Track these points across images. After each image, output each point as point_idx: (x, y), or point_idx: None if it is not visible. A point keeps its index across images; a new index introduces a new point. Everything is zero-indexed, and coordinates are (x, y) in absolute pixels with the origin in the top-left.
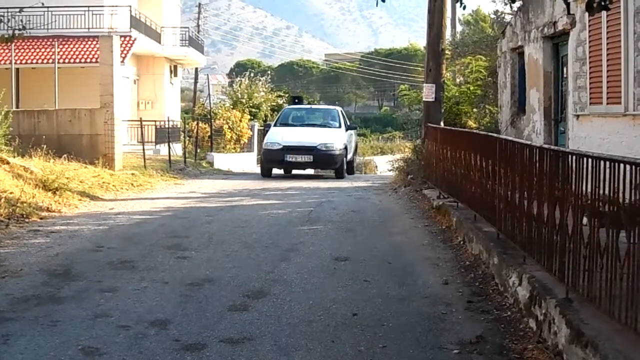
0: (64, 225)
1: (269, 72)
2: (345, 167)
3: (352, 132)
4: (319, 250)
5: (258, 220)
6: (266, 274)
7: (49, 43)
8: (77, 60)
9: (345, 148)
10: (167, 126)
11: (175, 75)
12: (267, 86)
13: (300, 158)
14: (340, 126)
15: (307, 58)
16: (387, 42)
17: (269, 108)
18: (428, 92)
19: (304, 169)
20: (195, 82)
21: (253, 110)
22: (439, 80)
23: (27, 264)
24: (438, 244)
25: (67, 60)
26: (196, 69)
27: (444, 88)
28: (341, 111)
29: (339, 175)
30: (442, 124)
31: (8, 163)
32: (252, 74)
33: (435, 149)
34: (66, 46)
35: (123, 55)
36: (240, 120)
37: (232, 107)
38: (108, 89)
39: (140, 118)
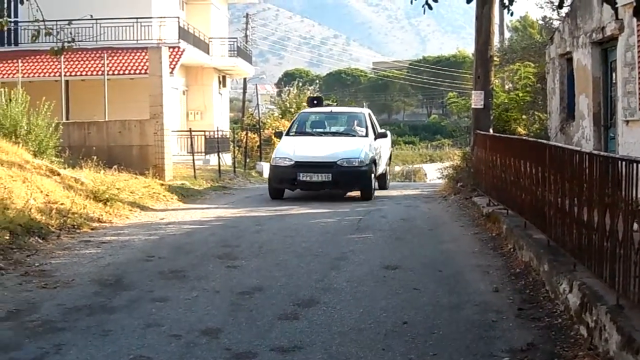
0: (115, 235)
1: (317, 81)
2: (373, 185)
3: (384, 140)
4: (368, 258)
5: (307, 229)
6: (316, 283)
7: (98, 55)
8: (126, 72)
9: (374, 162)
10: (216, 136)
11: (224, 85)
12: (314, 95)
13: (316, 177)
14: (367, 134)
15: (355, 66)
16: (435, 50)
17: None
18: (477, 99)
19: (320, 190)
20: (244, 92)
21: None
22: (487, 87)
23: (78, 274)
24: (488, 251)
25: (116, 72)
26: (244, 79)
27: (492, 95)
28: (369, 115)
29: (365, 196)
30: (491, 130)
31: (59, 174)
32: (300, 83)
33: (485, 156)
34: (115, 58)
35: (172, 66)
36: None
37: (280, 116)
38: (157, 100)
39: (190, 128)
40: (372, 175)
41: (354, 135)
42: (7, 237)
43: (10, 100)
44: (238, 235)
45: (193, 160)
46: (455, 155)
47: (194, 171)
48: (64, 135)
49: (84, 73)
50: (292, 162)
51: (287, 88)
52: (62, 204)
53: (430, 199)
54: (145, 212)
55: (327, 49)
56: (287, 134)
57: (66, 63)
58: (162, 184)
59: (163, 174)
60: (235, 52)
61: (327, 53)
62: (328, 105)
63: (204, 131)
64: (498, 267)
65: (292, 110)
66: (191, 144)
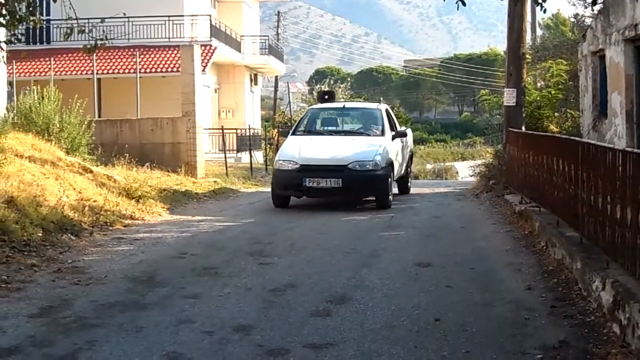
0: (147, 232)
1: (348, 79)
2: (391, 191)
3: (404, 139)
4: (400, 256)
5: (339, 226)
6: (348, 280)
7: (130, 53)
8: (158, 70)
9: (391, 165)
10: (248, 134)
11: (256, 83)
12: (346, 93)
13: (324, 182)
14: (383, 133)
15: (386, 64)
16: (467, 47)
17: None
18: (509, 97)
19: (330, 197)
20: (275, 90)
21: None
22: (519, 84)
23: (111, 271)
24: (520, 249)
25: (148, 70)
26: (276, 77)
27: (525, 92)
28: (387, 110)
29: (381, 204)
30: (523, 128)
31: (91, 172)
32: (331, 81)
33: (517, 154)
34: (147, 56)
35: (204, 64)
36: None
37: None
38: (189, 98)
39: (222, 126)
40: (389, 179)
41: (368, 135)
42: (40, 234)
43: (43, 98)
44: (270, 233)
45: (225, 157)
46: (487, 153)
47: (226, 169)
48: (97, 132)
49: (116, 71)
50: (298, 166)
51: (318, 86)
52: (94, 201)
53: (462, 196)
54: (178, 208)
55: (358, 46)
56: (294, 133)
57: (98, 61)
58: (194, 182)
59: (195, 172)
60: (267, 50)
61: (359, 51)
62: (346, 100)
63: (236, 129)
64: (530, 264)
65: None
66: (223, 142)
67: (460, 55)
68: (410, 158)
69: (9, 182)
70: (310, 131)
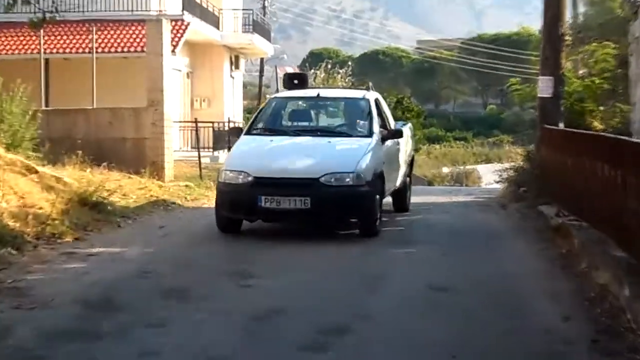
0: (104, 246)
1: (349, 62)
2: (379, 213)
3: (400, 140)
4: (411, 278)
5: (337, 241)
6: (348, 307)
7: (85, 29)
8: (119, 50)
9: (381, 177)
10: (227, 128)
11: (237, 67)
12: (347, 80)
13: (287, 203)
14: (371, 132)
15: (395, 45)
16: (493, 27)
17: None
18: (544, 87)
19: (295, 222)
20: (261, 76)
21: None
22: (557, 71)
23: (59, 292)
24: (556, 271)
25: (106, 50)
26: (262, 59)
27: (563, 81)
28: (377, 101)
29: (366, 231)
30: (561, 125)
31: (37, 172)
32: (329, 66)
33: (553, 156)
34: (105, 32)
35: (174, 43)
36: None
37: None
38: (156, 84)
39: (195, 119)
40: (377, 197)
41: (350, 135)
42: None
43: None
44: (254, 247)
45: (199, 156)
46: (516, 154)
47: (200, 170)
48: (43, 125)
49: (67, 50)
50: (250, 179)
51: (312, 71)
52: (40, 208)
53: (486, 207)
54: (141, 218)
55: (361, 24)
56: (248, 132)
57: (46, 38)
58: (161, 186)
59: (163, 173)
60: (251, 27)
61: (362, 29)
62: (317, 87)
63: (212, 122)
64: (568, 290)
65: None
66: (197, 138)
67: (484, 36)
68: (411, 164)
69: None
70: (270, 130)
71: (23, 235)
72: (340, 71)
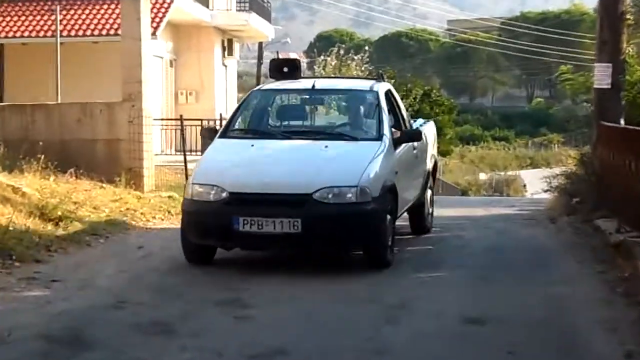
0: (71, 271)
1: (366, 47)
2: (390, 238)
3: (419, 144)
4: (441, 307)
5: (350, 261)
6: (364, 342)
7: (47, 8)
8: (88, 33)
9: (392, 191)
10: (218, 126)
11: (231, 53)
12: (364, 68)
13: (270, 225)
14: (380, 134)
15: (421, 26)
16: (539, 3)
17: None
18: (601, 76)
19: (281, 249)
20: (259, 64)
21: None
22: (617, 57)
23: (18, 326)
24: (617, 298)
25: (73, 33)
26: (260, 44)
27: (624, 69)
28: (388, 94)
29: (374, 261)
30: (622, 122)
31: None
32: (341, 51)
33: (613, 159)
34: (72, 12)
35: (155, 24)
36: None
37: None
38: (133, 74)
39: (180, 116)
40: (389, 216)
41: (354, 138)
42: None
43: None
44: (248, 272)
45: (185, 161)
46: (568, 157)
47: (186, 177)
48: None
49: (26, 34)
50: (224, 195)
51: (322, 58)
52: None
53: (531, 220)
54: (115, 236)
55: (380, 1)
56: (224, 135)
57: (1, 19)
58: (139, 197)
59: (141, 182)
60: (247, 5)
61: (381, 7)
62: (314, 77)
63: (201, 120)
64: (631, 321)
65: None
66: (182, 139)
67: (529, 15)
68: (433, 172)
69: None
70: (252, 131)
71: None
72: (356, 58)
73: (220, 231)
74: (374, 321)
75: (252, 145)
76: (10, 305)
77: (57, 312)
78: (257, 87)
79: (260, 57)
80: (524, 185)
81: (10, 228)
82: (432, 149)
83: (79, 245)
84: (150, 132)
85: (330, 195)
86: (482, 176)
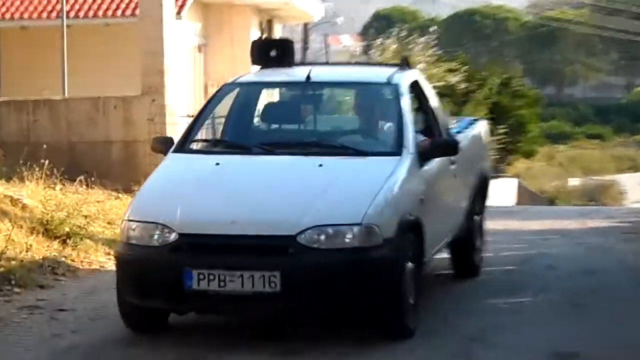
0: (81, 298)
1: (431, 28)
2: (411, 296)
3: (454, 157)
4: (525, 339)
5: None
6: None
7: None
8: (100, 14)
9: (415, 228)
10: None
11: (270, 36)
12: (429, 53)
13: (237, 282)
14: (399, 146)
15: (498, 3)
16: None
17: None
18: None
19: (252, 315)
20: (305, 48)
21: None
22: None
23: None
24: None
25: (82, 14)
26: (305, 25)
27: None
28: (413, 87)
29: (389, 328)
30: None
31: None
32: (402, 33)
33: None
34: None
35: (179, 3)
36: None
37: None
38: (154, 63)
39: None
40: (409, 265)
41: (362, 153)
42: None
43: None
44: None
45: None
46: None
47: None
48: None
49: (25, 16)
50: (173, 238)
51: (379, 41)
52: None
53: (633, 235)
54: None
55: None
56: (180, 149)
57: None
58: None
59: None
60: None
61: None
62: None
63: None
64: None
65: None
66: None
67: None
68: (482, 192)
69: None
70: (220, 143)
71: None
72: (420, 41)
73: (166, 290)
74: (446, 356)
75: (217, 164)
76: (9, 338)
77: (65, 347)
78: (231, 80)
79: (305, 41)
80: (623, 193)
81: (9, 247)
82: (481, 161)
83: (90, 267)
84: (174, 132)
85: (322, 238)
86: (573, 182)
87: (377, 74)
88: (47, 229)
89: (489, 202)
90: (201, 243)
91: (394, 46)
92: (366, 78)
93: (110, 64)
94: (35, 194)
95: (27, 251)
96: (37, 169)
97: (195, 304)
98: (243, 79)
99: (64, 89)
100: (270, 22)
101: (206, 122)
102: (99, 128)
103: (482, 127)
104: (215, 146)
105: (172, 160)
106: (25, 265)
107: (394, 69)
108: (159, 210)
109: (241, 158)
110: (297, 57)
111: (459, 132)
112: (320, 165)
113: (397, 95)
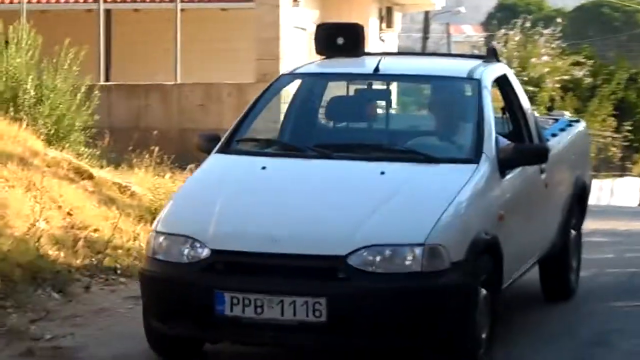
0: None
1: (558, 19)
2: (484, 328)
3: (544, 165)
4: None
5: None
6: None
7: None
8: None
9: (491, 247)
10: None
11: (389, 25)
12: (554, 45)
13: (276, 309)
14: (477, 154)
15: None
16: None
17: (556, 85)
18: None
19: (294, 347)
20: (425, 38)
21: (529, 88)
22: None
23: (121, 357)
24: None
25: None
26: (426, 13)
27: None
28: (499, 84)
29: None
30: None
31: (91, 177)
32: (527, 24)
33: None
34: None
35: None
36: None
37: None
38: (269, 49)
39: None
40: (483, 292)
41: (432, 159)
42: None
43: (7, 43)
44: None
45: None
46: None
47: None
48: (102, 108)
49: None
50: (205, 255)
51: (502, 31)
52: (95, 230)
53: None
54: None
55: None
56: (225, 149)
57: None
58: None
59: None
60: None
61: None
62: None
63: None
64: None
65: (513, 70)
66: None
67: None
68: (579, 203)
69: None
70: (270, 143)
71: (70, 271)
72: (545, 32)
73: (194, 315)
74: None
75: (264, 168)
76: (115, 330)
77: None
78: (289, 71)
79: (426, 30)
80: None
81: (115, 236)
82: (580, 168)
83: None
84: None
85: (377, 260)
86: None
87: (457, 67)
88: (155, 218)
89: (613, 201)
90: (237, 262)
91: (518, 37)
92: (443, 71)
93: (224, 50)
94: (144, 181)
95: (134, 240)
96: (146, 155)
97: (227, 331)
98: (304, 69)
99: (177, 75)
100: (389, 10)
101: (259, 118)
102: (211, 115)
103: (579, 129)
104: (265, 147)
105: (213, 162)
106: (131, 254)
107: (478, 61)
108: (191, 222)
109: (292, 162)
110: (417, 46)
111: (554, 135)
112: (383, 172)
113: (478, 93)
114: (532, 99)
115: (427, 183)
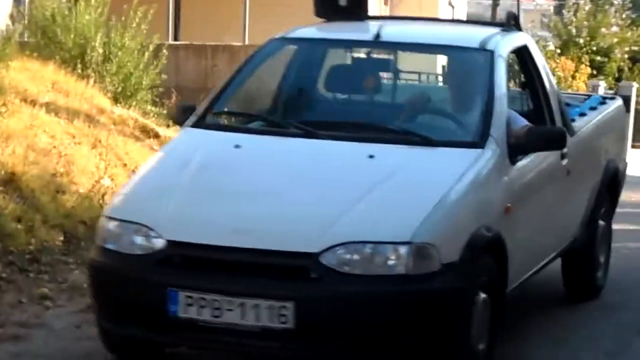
0: None
1: None
2: (483, 337)
3: (566, 150)
4: None
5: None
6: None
7: None
8: None
9: (492, 246)
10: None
11: None
12: (624, 16)
13: (236, 312)
14: (483, 136)
15: None
16: None
17: (626, 56)
18: None
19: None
20: (495, 5)
21: (598, 58)
22: None
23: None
24: None
25: None
26: None
27: None
28: (517, 55)
29: None
30: None
31: (157, 136)
32: None
33: None
34: None
35: None
36: (573, 76)
37: (558, 51)
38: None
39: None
40: (481, 297)
41: (428, 141)
42: (60, 242)
43: (77, 2)
44: None
45: None
46: None
47: None
48: (170, 67)
49: None
50: (160, 246)
51: (572, 2)
52: None
53: None
54: None
55: None
56: (199, 123)
57: None
58: None
59: None
60: None
61: None
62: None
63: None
64: None
65: (581, 41)
66: None
67: None
68: (611, 190)
69: (10, 148)
70: (249, 117)
71: None
72: (615, 2)
73: (146, 315)
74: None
75: (238, 147)
76: None
77: None
78: (280, 35)
79: None
80: None
81: None
82: (612, 151)
83: None
84: None
85: (355, 259)
86: None
87: (469, 35)
88: None
89: None
90: (194, 256)
91: (588, 7)
92: (452, 40)
93: (293, 10)
94: None
95: None
96: None
97: (182, 335)
98: (299, 33)
99: (244, 35)
100: None
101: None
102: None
103: (616, 108)
104: (246, 122)
105: (183, 138)
106: None
107: (495, 30)
108: (147, 207)
109: (271, 140)
110: (487, 14)
111: (582, 115)
112: (371, 156)
113: (490, 66)
114: (600, 69)
115: (421, 170)
